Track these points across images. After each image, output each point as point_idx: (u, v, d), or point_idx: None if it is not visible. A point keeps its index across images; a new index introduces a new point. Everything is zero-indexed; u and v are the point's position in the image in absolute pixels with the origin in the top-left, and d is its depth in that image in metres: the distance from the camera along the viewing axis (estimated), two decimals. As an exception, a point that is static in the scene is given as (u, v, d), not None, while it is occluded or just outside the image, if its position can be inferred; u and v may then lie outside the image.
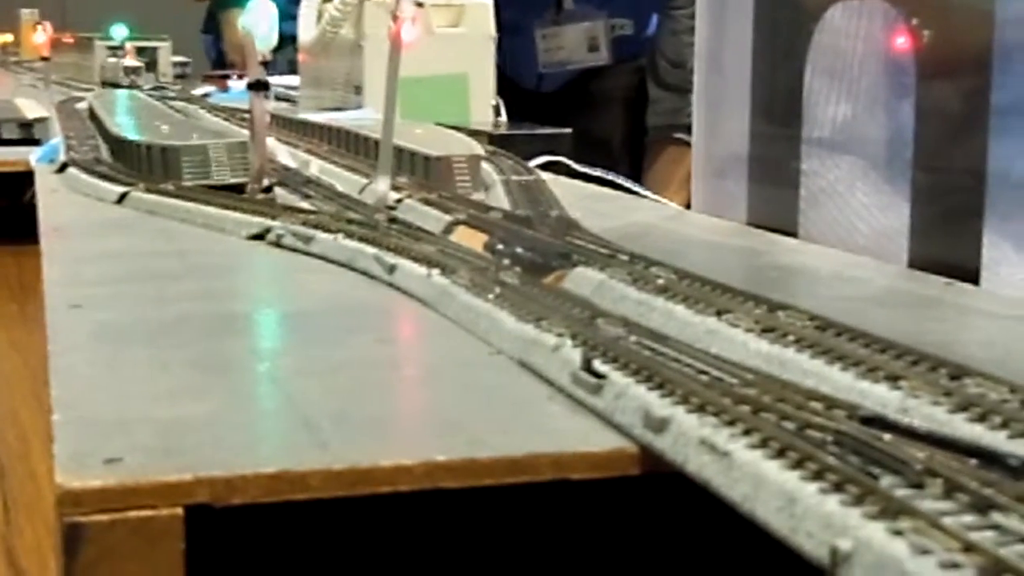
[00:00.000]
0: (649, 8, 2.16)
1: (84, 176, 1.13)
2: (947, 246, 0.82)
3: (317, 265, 0.80)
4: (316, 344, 0.62)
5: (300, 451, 0.44)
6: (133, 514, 0.41)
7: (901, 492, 0.35)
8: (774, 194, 0.99)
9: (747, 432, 0.41)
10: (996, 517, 0.33)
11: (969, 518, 0.33)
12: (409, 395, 0.56)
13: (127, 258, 0.85)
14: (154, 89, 2.28)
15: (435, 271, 0.68)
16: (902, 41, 0.85)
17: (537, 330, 0.55)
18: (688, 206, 1.14)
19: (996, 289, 0.76)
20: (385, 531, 0.51)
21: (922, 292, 0.77)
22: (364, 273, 0.75)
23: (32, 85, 2.61)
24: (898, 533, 0.33)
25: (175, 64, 2.77)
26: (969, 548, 0.31)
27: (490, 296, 0.62)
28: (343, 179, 1.10)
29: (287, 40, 1.55)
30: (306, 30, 1.88)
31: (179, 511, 0.41)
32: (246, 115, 1.18)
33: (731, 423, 0.42)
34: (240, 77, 2.43)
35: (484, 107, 1.74)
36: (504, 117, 1.76)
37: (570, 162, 1.36)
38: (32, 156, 1.33)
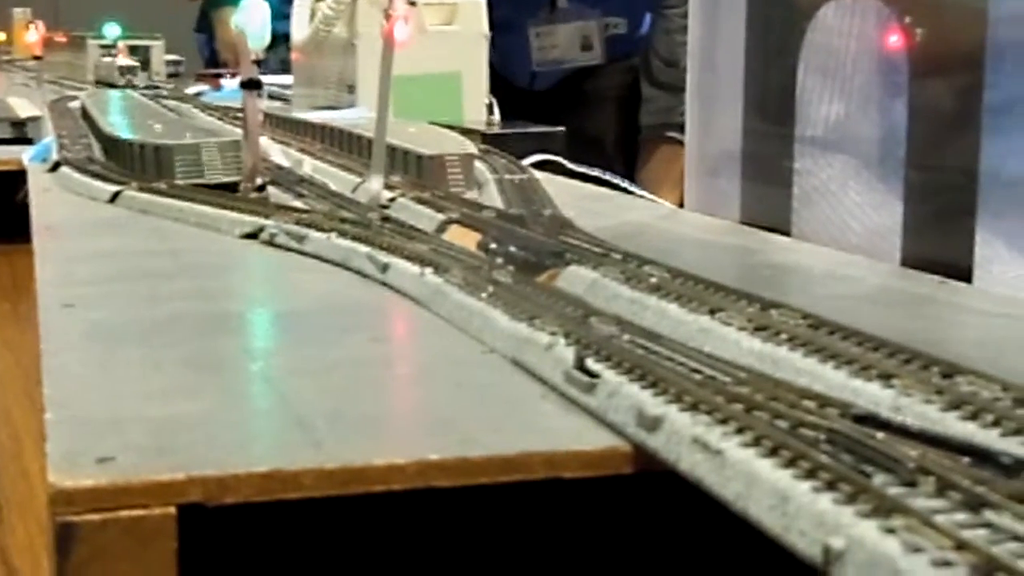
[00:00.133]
0: (643, 7, 2.16)
1: (77, 175, 1.13)
2: (940, 244, 0.82)
3: (310, 264, 0.80)
4: (309, 343, 0.62)
5: (293, 450, 0.44)
6: (125, 513, 0.41)
7: (894, 490, 0.35)
8: (767, 193, 0.99)
9: (740, 431, 0.41)
10: (988, 515, 0.33)
11: (961, 516, 0.33)
12: (402, 394, 0.56)
13: (120, 257, 0.84)
14: (147, 88, 2.27)
15: (428, 270, 0.68)
16: (895, 40, 0.86)
17: (530, 329, 0.55)
18: (681, 205, 1.14)
19: (989, 287, 0.76)
20: (378, 530, 0.51)
21: (915, 290, 0.77)
22: (357, 272, 0.75)
23: (24, 84, 2.60)
24: (891, 531, 0.33)
25: (168, 63, 2.76)
26: (961, 546, 0.31)
27: (483, 295, 0.62)
28: (336, 178, 1.10)
29: (280, 39, 1.54)
30: (299, 29, 1.88)
31: (172, 510, 0.41)
32: (239, 114, 1.18)
33: (724, 422, 0.42)
34: (233, 76, 2.43)
35: (477, 106, 1.74)
36: (497, 116, 1.76)
37: (564, 161, 1.36)
38: (24, 155, 1.32)
